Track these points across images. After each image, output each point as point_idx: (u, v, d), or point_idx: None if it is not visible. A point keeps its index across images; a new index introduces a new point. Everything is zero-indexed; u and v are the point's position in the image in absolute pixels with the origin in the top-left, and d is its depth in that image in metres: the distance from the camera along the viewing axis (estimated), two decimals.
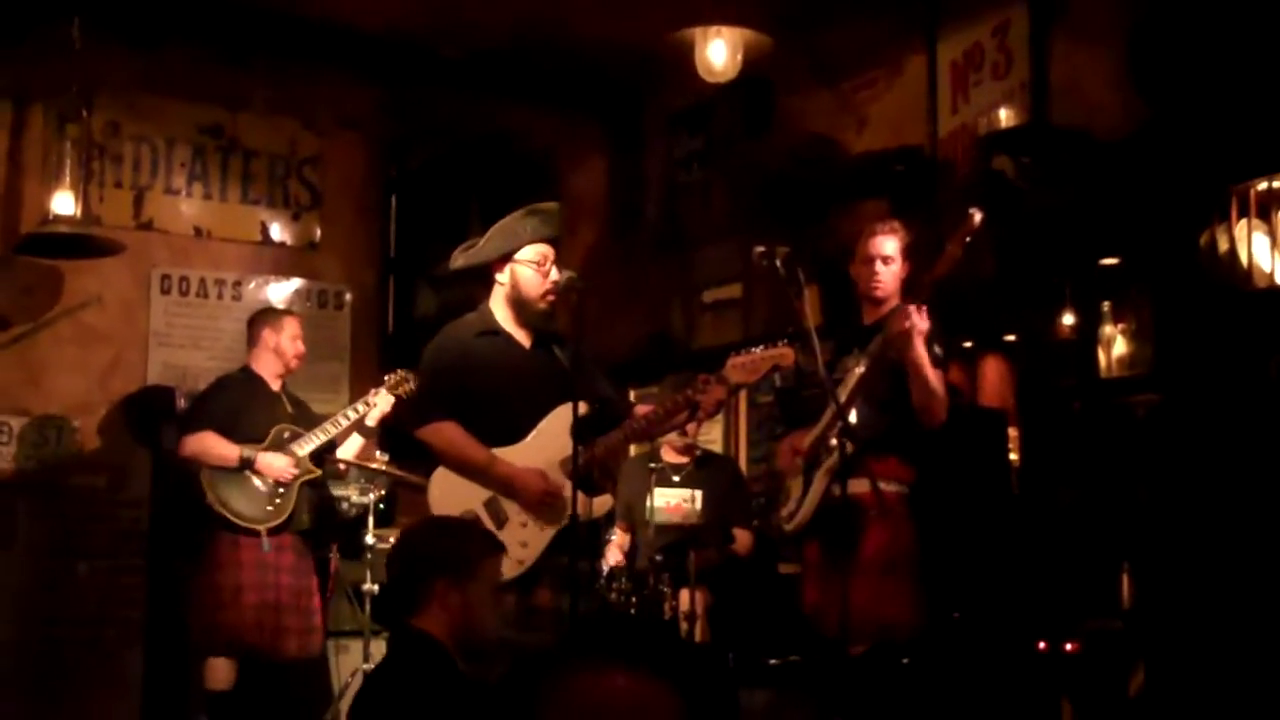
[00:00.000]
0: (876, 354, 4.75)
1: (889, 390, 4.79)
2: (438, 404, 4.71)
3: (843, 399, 4.67)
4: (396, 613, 3.34)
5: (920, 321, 4.64)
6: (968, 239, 4.62)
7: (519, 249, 4.71)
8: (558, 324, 4.72)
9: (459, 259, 4.85)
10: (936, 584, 4.94)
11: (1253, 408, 4.83)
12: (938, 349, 4.81)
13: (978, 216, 4.59)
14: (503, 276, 4.75)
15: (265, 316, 6.33)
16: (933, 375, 4.73)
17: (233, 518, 5.91)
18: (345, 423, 6.10)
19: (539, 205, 4.82)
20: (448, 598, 3.27)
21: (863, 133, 6.91)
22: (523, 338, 4.77)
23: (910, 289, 4.84)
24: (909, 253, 4.95)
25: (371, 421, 6.11)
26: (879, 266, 4.93)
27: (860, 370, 4.77)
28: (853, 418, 4.65)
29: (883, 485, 4.70)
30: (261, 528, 5.90)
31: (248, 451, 5.92)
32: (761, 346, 4.62)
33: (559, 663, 1.54)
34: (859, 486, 4.63)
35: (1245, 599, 4.66)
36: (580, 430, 4.45)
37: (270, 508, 5.94)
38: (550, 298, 4.69)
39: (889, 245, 4.93)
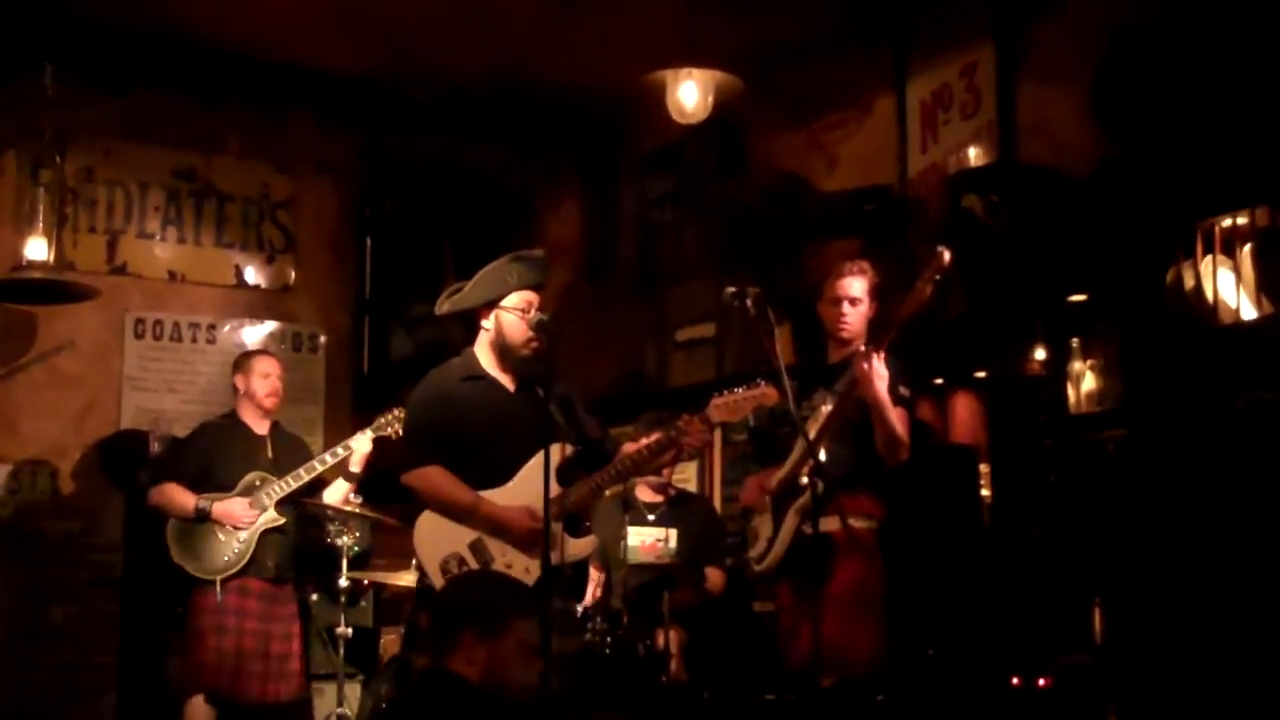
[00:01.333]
0: (844, 392, 4.78)
1: (857, 427, 4.82)
2: (423, 449, 4.73)
3: (811, 435, 4.69)
4: (431, 655, 3.35)
5: (879, 368, 4.68)
6: (937, 277, 4.64)
7: (505, 295, 4.74)
8: (542, 368, 4.73)
9: (444, 304, 4.87)
10: (909, 620, 4.96)
11: (1219, 442, 4.87)
12: (903, 389, 4.83)
13: (946, 255, 4.62)
14: (488, 322, 4.78)
15: (238, 361, 6.34)
16: (893, 417, 4.76)
17: (190, 569, 5.91)
18: (320, 468, 6.10)
19: (525, 252, 4.85)
20: (474, 651, 3.29)
21: (833, 172, 6.97)
22: (507, 382, 4.79)
23: (879, 327, 4.87)
24: (876, 293, 4.99)
25: (356, 466, 6.11)
26: (846, 308, 4.97)
27: (828, 409, 4.80)
28: (822, 456, 4.67)
29: (853, 522, 4.72)
30: (217, 578, 5.89)
31: (203, 502, 5.92)
32: (744, 386, 4.65)
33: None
34: (830, 524, 4.64)
35: (1216, 633, 4.69)
36: (562, 472, 4.47)
37: (228, 556, 5.93)
38: (534, 344, 4.71)
39: (856, 286, 4.97)
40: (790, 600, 4.93)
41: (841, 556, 4.76)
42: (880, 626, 4.80)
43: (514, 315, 4.71)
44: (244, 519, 5.95)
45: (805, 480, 4.70)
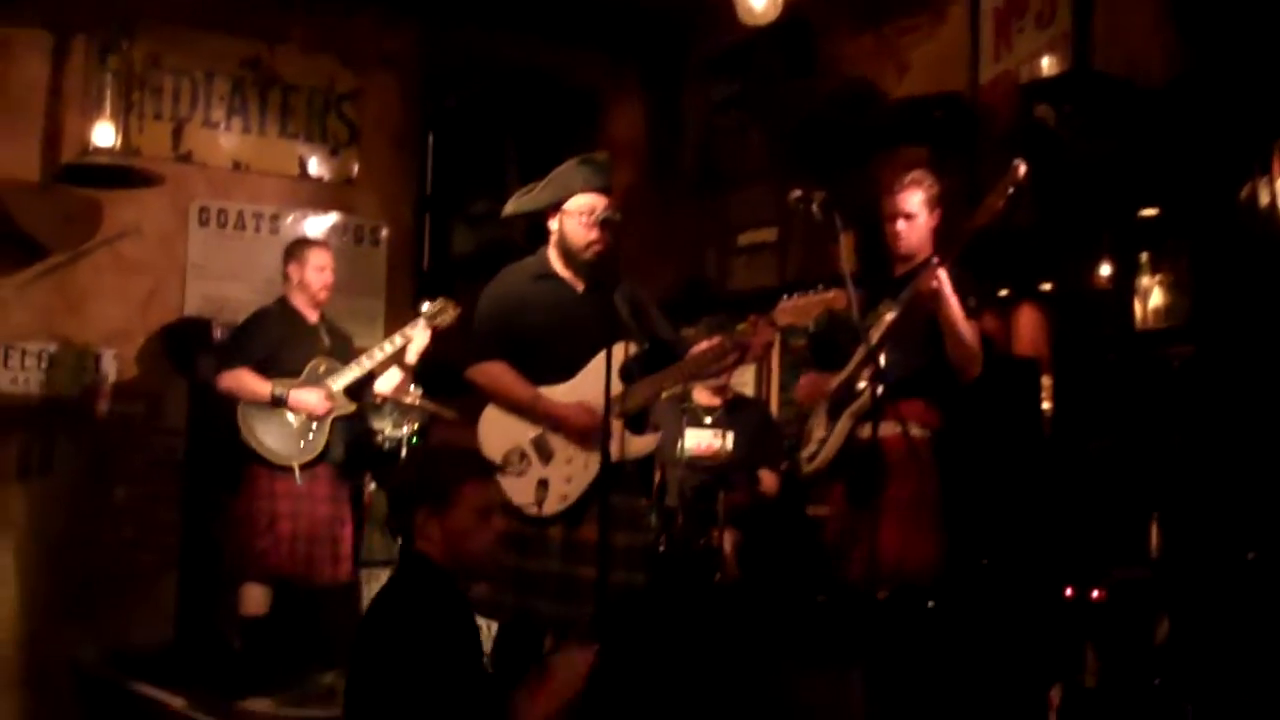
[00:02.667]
0: (907, 301, 4.75)
1: (920, 336, 4.79)
2: (489, 345, 4.77)
3: (873, 342, 4.68)
4: (402, 540, 3.43)
5: (945, 283, 4.63)
6: (1010, 190, 4.58)
7: (568, 198, 4.74)
8: (612, 267, 4.73)
9: (512, 205, 4.90)
10: (965, 530, 4.96)
11: None
12: (971, 301, 4.79)
13: (1022, 168, 4.55)
14: (554, 224, 4.80)
15: (291, 249, 6.37)
16: (967, 331, 4.72)
17: (266, 454, 5.98)
18: (381, 356, 6.15)
19: (590, 156, 4.84)
20: (429, 527, 3.35)
21: (903, 78, 6.87)
22: (576, 282, 4.81)
23: (948, 239, 4.82)
24: (937, 202, 4.92)
25: (411, 357, 6.15)
26: (900, 224, 4.91)
27: (891, 316, 4.77)
28: (882, 361, 4.66)
29: (910, 429, 4.71)
30: (295, 463, 5.96)
31: (279, 389, 5.97)
32: (814, 291, 4.64)
33: None
34: (885, 429, 4.63)
35: (1272, 552, 4.67)
36: (625, 371, 4.50)
37: (303, 444, 6.00)
38: (596, 248, 4.72)
39: (912, 201, 4.90)
40: (843, 506, 4.95)
41: (896, 464, 4.76)
42: (936, 536, 4.81)
43: (575, 219, 4.72)
44: (320, 408, 6.01)
45: (863, 385, 4.69)
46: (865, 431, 4.68)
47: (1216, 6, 5.26)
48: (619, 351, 4.47)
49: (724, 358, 4.76)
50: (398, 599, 3.40)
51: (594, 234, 4.70)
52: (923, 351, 4.82)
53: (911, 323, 4.76)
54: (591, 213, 4.71)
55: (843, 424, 4.88)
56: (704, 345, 4.89)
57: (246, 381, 6.01)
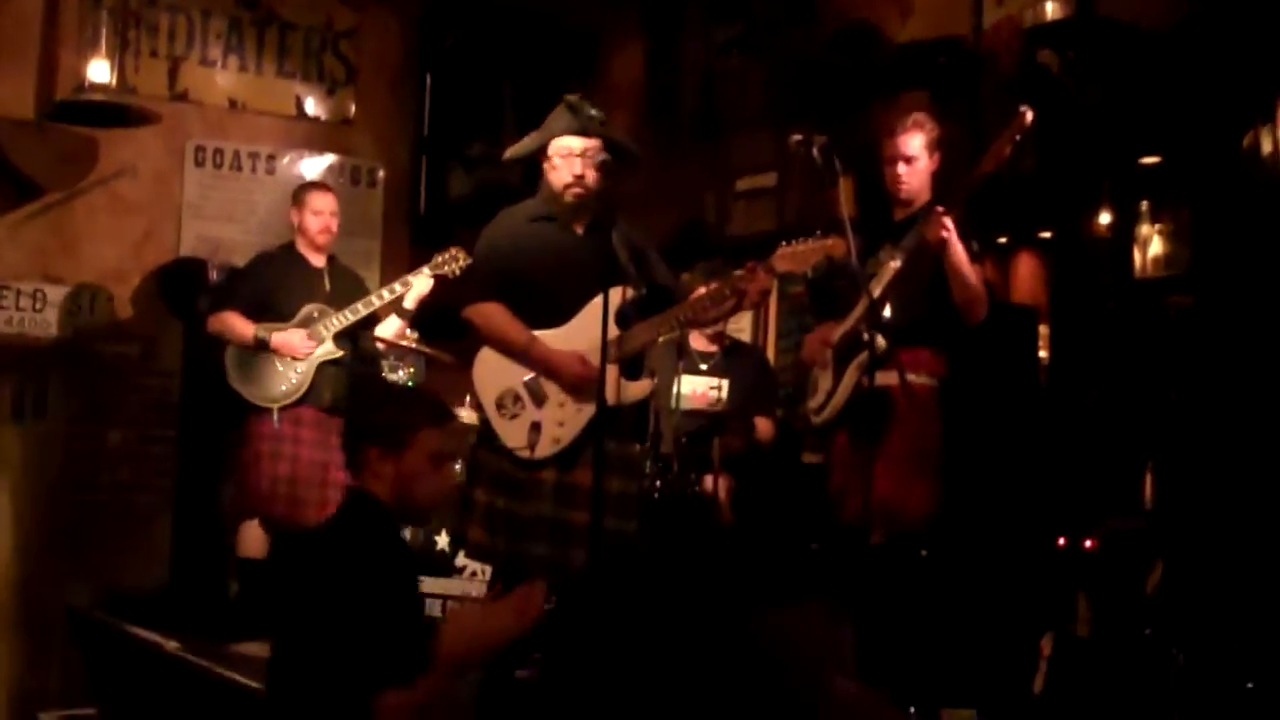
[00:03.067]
0: (911, 249, 4.72)
1: (924, 283, 4.77)
2: (485, 286, 4.76)
3: (876, 293, 4.65)
4: (351, 474, 3.42)
5: (952, 230, 4.60)
6: (1017, 138, 4.55)
7: (549, 142, 4.72)
8: (605, 210, 4.70)
9: (510, 150, 4.95)
10: (960, 477, 4.96)
11: None
12: (975, 245, 4.78)
13: (1029, 115, 4.51)
14: (548, 166, 4.77)
15: (295, 194, 6.34)
16: (973, 275, 4.70)
17: (248, 397, 5.98)
18: (378, 303, 6.12)
19: (570, 98, 4.81)
20: (381, 466, 3.35)
21: (906, 22, 6.79)
22: (575, 225, 4.78)
23: (953, 184, 4.78)
24: (938, 145, 4.88)
25: (411, 303, 6.12)
26: (901, 168, 4.87)
27: (895, 264, 4.73)
28: (886, 311, 4.64)
29: (913, 378, 4.68)
30: (275, 405, 5.96)
31: (262, 331, 5.96)
32: (810, 237, 4.59)
33: None
34: (889, 379, 4.62)
35: (1266, 505, 4.67)
36: (621, 316, 4.47)
37: (285, 386, 5.99)
38: (576, 191, 4.69)
39: (913, 143, 4.86)
40: (845, 454, 4.94)
41: (900, 413, 4.74)
42: (934, 484, 4.81)
43: (554, 162, 4.71)
44: (302, 349, 5.99)
45: (867, 336, 4.67)
46: (876, 380, 4.66)
47: None
48: (615, 296, 4.45)
49: (721, 304, 4.73)
50: (336, 533, 3.41)
51: (569, 176, 4.68)
52: (927, 299, 4.79)
53: (915, 271, 4.73)
54: (569, 155, 4.68)
55: (849, 375, 4.86)
56: (701, 291, 4.86)
57: (232, 323, 6.01)
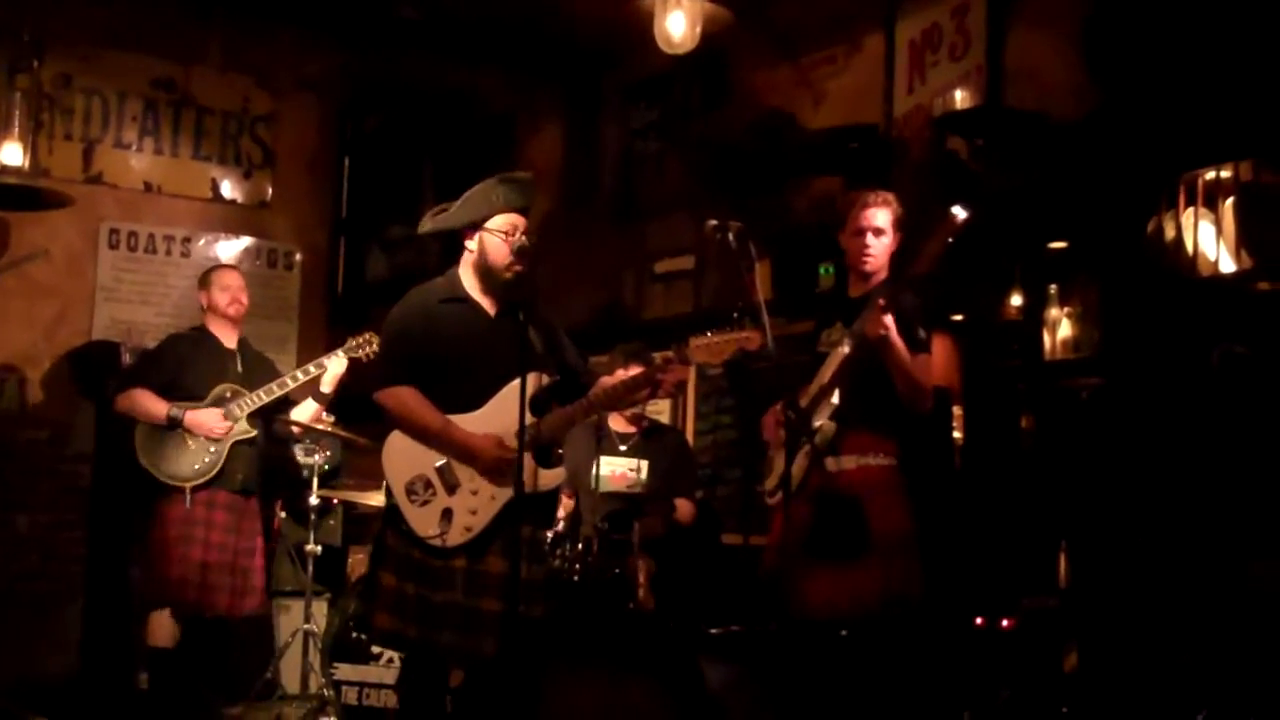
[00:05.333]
0: (860, 333, 4.68)
1: (873, 369, 4.73)
2: (397, 368, 4.68)
3: (826, 377, 4.65)
4: None
5: (891, 328, 4.60)
6: (950, 240, 4.57)
7: (489, 217, 4.67)
8: (527, 292, 4.67)
9: (428, 222, 4.78)
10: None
11: (1192, 395, 4.90)
12: (921, 332, 4.75)
13: (960, 216, 4.53)
14: (471, 244, 4.70)
15: (201, 278, 6.31)
16: (914, 370, 4.66)
17: (158, 476, 5.89)
18: (293, 384, 6.07)
19: (512, 174, 4.77)
20: None
21: (819, 108, 6.93)
22: (488, 306, 4.74)
23: (886, 289, 4.76)
24: (900, 225, 4.89)
25: (327, 386, 6.08)
26: (870, 239, 4.81)
27: (844, 350, 4.70)
28: (835, 399, 4.64)
29: (872, 461, 4.69)
30: (186, 485, 5.88)
31: (175, 410, 5.89)
32: (727, 327, 4.56)
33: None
34: (845, 464, 4.64)
35: (1179, 582, 4.74)
36: (536, 402, 4.44)
37: (198, 465, 5.91)
38: (516, 268, 4.66)
39: (881, 217, 4.83)
40: (797, 537, 4.84)
41: (870, 504, 4.64)
42: (919, 565, 4.73)
43: (497, 237, 4.65)
44: (217, 428, 5.93)
45: (818, 423, 4.67)
46: (827, 465, 4.65)
47: (1125, 46, 5.36)
48: (531, 381, 4.43)
49: (636, 391, 4.73)
50: None
51: (510, 254, 4.64)
52: (875, 383, 4.76)
53: (863, 356, 4.70)
54: (514, 231, 4.65)
55: (800, 460, 4.83)
56: (617, 377, 4.86)
57: (143, 401, 5.93)
